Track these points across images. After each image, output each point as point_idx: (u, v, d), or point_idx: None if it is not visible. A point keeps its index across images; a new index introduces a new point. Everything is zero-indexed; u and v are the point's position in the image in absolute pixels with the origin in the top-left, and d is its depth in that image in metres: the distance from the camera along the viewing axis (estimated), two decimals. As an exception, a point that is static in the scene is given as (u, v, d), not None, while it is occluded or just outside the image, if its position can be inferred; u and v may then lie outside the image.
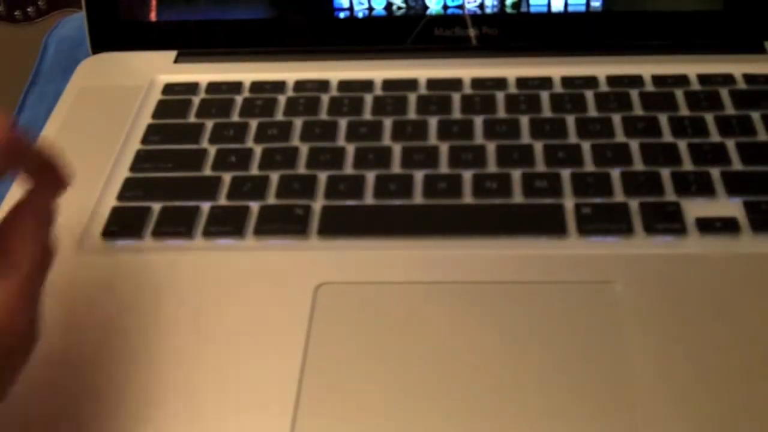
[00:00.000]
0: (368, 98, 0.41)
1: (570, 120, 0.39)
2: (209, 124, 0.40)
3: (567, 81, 0.41)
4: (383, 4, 0.44)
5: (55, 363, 0.30)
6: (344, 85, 0.42)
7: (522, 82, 0.41)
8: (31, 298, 0.26)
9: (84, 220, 0.36)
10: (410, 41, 0.43)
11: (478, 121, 0.39)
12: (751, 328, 0.30)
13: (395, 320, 0.31)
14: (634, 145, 0.37)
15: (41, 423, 0.28)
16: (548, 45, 0.43)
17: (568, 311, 0.31)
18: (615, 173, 0.36)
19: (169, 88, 0.43)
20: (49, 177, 0.28)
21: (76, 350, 0.31)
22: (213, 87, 0.43)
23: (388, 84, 0.42)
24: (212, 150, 0.39)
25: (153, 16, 0.45)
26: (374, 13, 0.44)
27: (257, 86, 0.42)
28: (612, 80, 0.41)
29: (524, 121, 0.39)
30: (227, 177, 0.37)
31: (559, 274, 0.32)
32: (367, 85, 0.42)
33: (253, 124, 0.40)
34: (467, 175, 0.36)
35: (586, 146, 0.37)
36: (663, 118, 0.39)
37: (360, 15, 0.44)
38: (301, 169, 0.38)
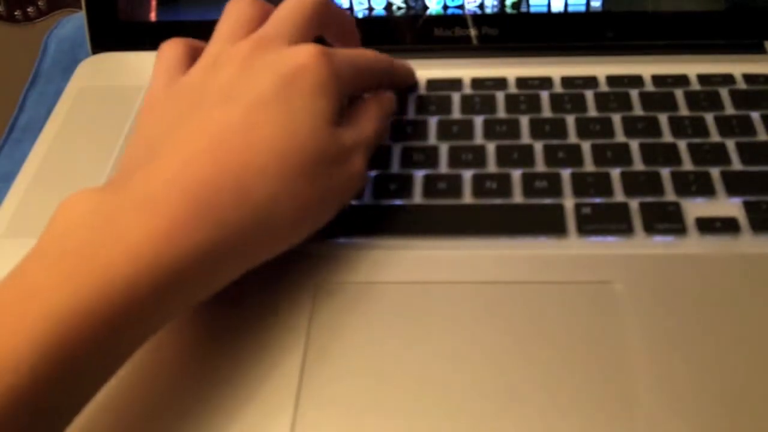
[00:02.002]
0: (368, 98, 0.41)
1: (570, 120, 0.39)
2: (209, 124, 0.40)
3: (567, 81, 0.41)
4: (383, 4, 0.44)
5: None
6: (344, 85, 0.42)
7: (522, 82, 0.41)
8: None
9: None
10: (410, 41, 0.43)
11: (478, 120, 0.39)
12: (752, 327, 0.30)
13: (394, 320, 0.31)
14: (634, 145, 0.37)
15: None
16: (548, 45, 0.43)
17: (568, 311, 0.31)
18: (615, 173, 0.36)
19: (168, 88, 0.43)
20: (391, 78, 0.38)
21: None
22: (213, 87, 0.43)
23: (388, 84, 0.42)
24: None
25: (153, 17, 0.45)
26: (374, 13, 0.44)
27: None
28: (612, 80, 0.41)
29: (524, 121, 0.39)
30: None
31: (559, 274, 0.32)
32: (367, 85, 0.42)
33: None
34: (467, 174, 0.36)
35: (586, 146, 0.37)
36: (663, 118, 0.39)
37: (360, 15, 0.44)
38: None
